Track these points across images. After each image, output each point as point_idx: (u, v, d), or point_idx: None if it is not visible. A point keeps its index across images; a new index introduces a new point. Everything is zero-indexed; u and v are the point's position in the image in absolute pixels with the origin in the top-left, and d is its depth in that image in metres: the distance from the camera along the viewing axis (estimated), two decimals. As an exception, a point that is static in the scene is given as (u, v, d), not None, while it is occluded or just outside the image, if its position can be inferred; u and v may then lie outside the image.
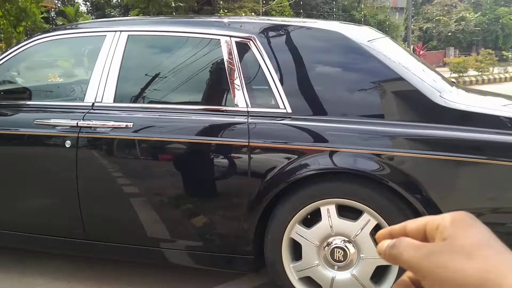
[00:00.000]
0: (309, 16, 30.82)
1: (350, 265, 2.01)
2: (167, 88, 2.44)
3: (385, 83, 2.09)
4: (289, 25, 2.36)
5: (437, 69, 3.58)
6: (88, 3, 35.99)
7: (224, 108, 2.20)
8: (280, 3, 26.41)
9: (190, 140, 2.17)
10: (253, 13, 15.38)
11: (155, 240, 2.28)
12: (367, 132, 1.98)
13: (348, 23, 2.80)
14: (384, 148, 1.93)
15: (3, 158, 2.51)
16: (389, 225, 1.85)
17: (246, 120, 2.09)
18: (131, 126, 2.20)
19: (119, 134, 2.23)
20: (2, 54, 2.65)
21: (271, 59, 2.14)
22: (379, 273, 2.02)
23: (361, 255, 2.00)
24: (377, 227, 1.96)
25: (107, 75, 2.32)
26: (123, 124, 2.21)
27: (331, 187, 2.02)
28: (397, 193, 1.91)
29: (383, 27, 26.77)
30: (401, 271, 1.92)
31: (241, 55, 2.18)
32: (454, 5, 31.41)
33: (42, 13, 12.91)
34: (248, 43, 2.18)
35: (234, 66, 2.17)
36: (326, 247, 2.04)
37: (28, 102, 2.52)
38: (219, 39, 2.23)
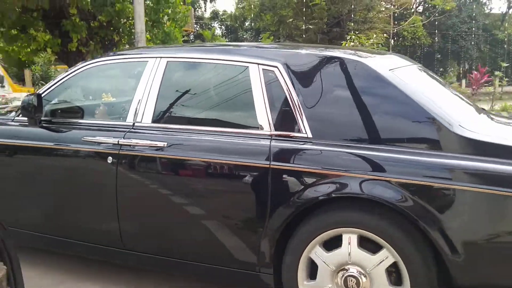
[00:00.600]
0: (443, 37, 28.99)
1: None
2: (198, 110, 2.61)
3: (403, 110, 2.13)
4: (312, 54, 2.47)
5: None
6: (223, 27, 38.36)
7: (250, 131, 2.33)
8: (413, 23, 25.26)
9: (216, 160, 2.31)
10: (384, 34, 14.88)
11: (183, 253, 2.47)
12: (383, 159, 2.04)
13: (374, 52, 2.86)
14: (400, 175, 1.97)
15: (56, 170, 2.76)
16: (405, 265, 1.96)
17: (269, 143, 2.22)
18: (165, 146, 2.40)
19: (154, 153, 2.43)
20: (59, 77, 2.94)
21: (294, 86, 2.27)
22: None
23: None
24: (394, 265, 2.02)
25: (147, 97, 2.55)
26: (158, 143, 2.42)
27: (355, 216, 2.06)
28: (414, 224, 1.95)
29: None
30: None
31: (267, 82, 2.32)
32: None
33: (183, 36, 14.03)
34: (274, 71, 2.33)
35: (261, 92, 2.32)
36: (341, 273, 2.11)
37: (79, 120, 2.78)
38: (248, 66, 2.39)
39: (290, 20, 22.06)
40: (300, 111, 2.23)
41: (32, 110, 2.68)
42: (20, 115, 2.88)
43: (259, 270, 2.28)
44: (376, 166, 2.03)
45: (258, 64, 2.37)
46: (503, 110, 10.72)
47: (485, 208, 1.90)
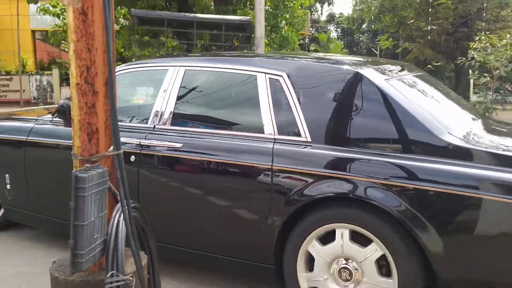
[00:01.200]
0: None
1: (353, 286, 2.28)
2: (211, 115, 2.84)
3: (395, 118, 2.29)
4: (314, 64, 2.75)
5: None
6: (338, 30, 37.84)
7: (256, 134, 2.55)
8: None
9: (224, 160, 2.55)
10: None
11: (194, 245, 2.73)
12: (375, 163, 2.22)
13: (382, 60, 3.09)
14: (389, 178, 2.15)
15: None
16: (392, 257, 2.14)
17: (272, 145, 2.46)
18: (181, 147, 2.67)
19: (171, 153, 2.70)
20: None
21: (297, 93, 2.49)
22: None
23: (364, 279, 2.25)
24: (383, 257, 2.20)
25: (166, 102, 2.83)
26: (175, 145, 2.69)
27: (347, 213, 2.25)
28: (403, 224, 2.11)
29: None
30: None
31: (272, 89, 2.55)
32: None
33: (299, 40, 14.11)
34: (279, 80, 2.55)
35: (266, 99, 2.56)
36: (335, 265, 2.32)
37: None
38: (256, 75, 2.63)
39: (411, 21, 20.98)
40: (301, 117, 2.45)
41: (66, 112, 2.93)
42: (57, 117, 3.17)
43: (262, 262, 2.50)
44: (367, 169, 2.22)
45: (265, 73, 2.61)
46: None
47: (460, 209, 2.06)
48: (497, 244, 2.00)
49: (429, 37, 19.92)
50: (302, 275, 2.41)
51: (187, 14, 9.67)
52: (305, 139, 2.42)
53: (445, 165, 2.10)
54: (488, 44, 7.98)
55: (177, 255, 2.85)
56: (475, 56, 7.83)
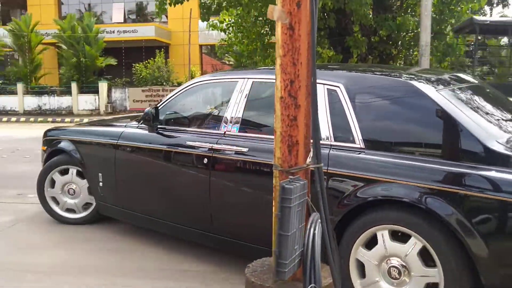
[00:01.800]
0: None
1: (404, 282, 2.37)
2: (273, 122, 2.80)
3: (445, 127, 2.42)
4: (369, 76, 2.91)
5: None
6: None
7: None
8: None
9: None
10: None
11: (258, 240, 2.84)
12: (420, 168, 2.34)
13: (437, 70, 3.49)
14: (434, 183, 2.27)
15: (166, 167, 3.42)
16: (433, 249, 2.25)
17: (328, 151, 2.60)
18: (247, 151, 2.93)
19: (239, 156, 2.97)
20: (171, 93, 3.65)
21: (352, 103, 2.63)
22: None
23: (412, 273, 2.34)
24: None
25: (236, 111, 3.11)
26: (242, 149, 2.96)
27: (388, 214, 2.37)
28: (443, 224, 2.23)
29: None
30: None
31: (330, 99, 2.71)
32: None
33: (466, 46, 12.97)
34: (336, 90, 2.70)
35: (324, 107, 2.71)
36: (384, 265, 2.42)
37: (185, 128, 3.45)
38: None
39: None
40: (355, 124, 2.59)
41: (150, 119, 3.46)
42: (142, 123, 3.61)
43: None
44: (415, 174, 2.33)
45: (324, 84, 2.75)
46: None
47: (499, 212, 2.14)
48: None
49: None
50: (357, 282, 2.53)
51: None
52: (359, 146, 2.56)
53: (486, 171, 2.19)
54: None
55: (242, 250, 3.05)
56: None
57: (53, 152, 4.21)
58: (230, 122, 3.13)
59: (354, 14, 10.50)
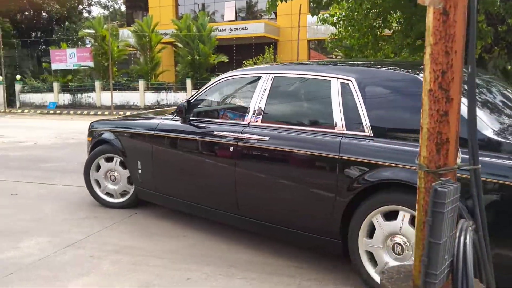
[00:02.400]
0: None
1: (403, 259, 2.60)
2: (292, 113, 3.37)
3: None
4: (378, 70, 3.14)
5: None
6: None
7: (327, 130, 2.99)
8: None
9: (301, 150, 3.05)
10: None
11: (277, 220, 3.23)
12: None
13: None
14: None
15: (197, 154, 3.74)
16: None
17: (340, 139, 2.88)
18: (268, 139, 3.20)
19: (261, 144, 3.25)
20: (202, 88, 4.01)
21: (362, 95, 2.88)
22: None
23: (413, 258, 2.22)
24: None
25: (259, 103, 3.40)
26: (264, 138, 3.23)
27: (409, 198, 2.46)
28: None
29: None
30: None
31: (343, 92, 2.97)
32: None
33: None
34: (349, 83, 2.96)
35: (337, 99, 2.98)
36: (391, 239, 2.66)
37: (214, 119, 3.80)
38: (330, 80, 3.07)
39: None
40: (365, 115, 2.81)
41: (183, 112, 3.83)
42: (176, 115, 3.96)
43: (331, 237, 2.92)
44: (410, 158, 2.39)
45: (338, 78, 3.02)
46: None
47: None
48: None
49: None
50: (362, 239, 2.78)
51: None
52: (368, 134, 2.79)
53: (488, 157, 2.32)
54: None
55: (265, 230, 3.39)
56: None
57: (97, 142, 4.62)
58: (253, 113, 3.42)
59: (480, 2, 9.60)
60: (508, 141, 2.39)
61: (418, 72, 2.81)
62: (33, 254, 3.39)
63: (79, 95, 25.31)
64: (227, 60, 23.83)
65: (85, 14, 37.50)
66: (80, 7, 37.10)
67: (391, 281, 1.79)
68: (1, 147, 9.37)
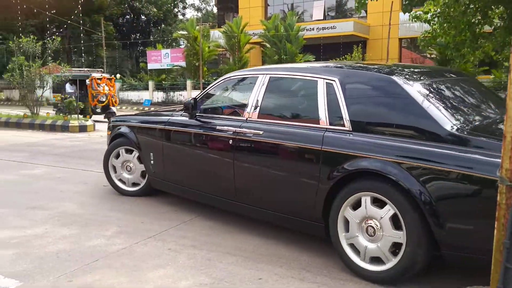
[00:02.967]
0: None
1: (377, 239, 2.96)
2: (284, 109, 3.78)
3: (411, 114, 2.94)
4: (358, 71, 3.59)
5: None
6: None
7: (313, 125, 3.36)
8: None
9: (289, 143, 3.44)
10: None
11: (268, 205, 3.67)
12: (390, 146, 2.91)
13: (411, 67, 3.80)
14: (397, 157, 2.84)
15: (202, 147, 4.19)
16: (401, 215, 2.80)
17: (323, 133, 3.24)
18: (262, 133, 3.62)
19: (256, 137, 3.65)
20: (208, 87, 4.47)
21: (343, 94, 3.24)
22: (395, 247, 2.89)
23: (383, 233, 2.92)
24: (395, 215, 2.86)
25: (256, 101, 3.81)
26: (258, 132, 3.64)
27: (371, 184, 2.95)
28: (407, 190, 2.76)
29: None
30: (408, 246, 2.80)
31: (328, 91, 3.34)
32: None
33: None
34: (333, 84, 3.33)
35: (323, 98, 3.35)
36: (363, 224, 3.03)
37: (217, 115, 4.23)
38: (317, 80, 3.45)
39: None
40: (345, 111, 3.19)
41: (190, 108, 4.29)
42: (184, 112, 4.44)
43: (315, 220, 3.31)
44: (387, 151, 2.89)
45: (324, 78, 3.40)
46: None
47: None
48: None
49: None
50: (342, 235, 3.13)
51: None
52: (347, 129, 3.14)
53: (439, 148, 2.71)
54: None
55: (258, 214, 3.80)
56: None
57: (115, 136, 5.15)
58: (251, 109, 3.80)
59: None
60: (474, 137, 2.68)
61: (395, 73, 3.22)
62: (117, 243, 3.63)
63: (171, 93, 26.78)
64: (314, 59, 23.67)
65: (180, 17, 39.40)
66: (176, 10, 39.05)
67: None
68: (99, 141, 10.15)
